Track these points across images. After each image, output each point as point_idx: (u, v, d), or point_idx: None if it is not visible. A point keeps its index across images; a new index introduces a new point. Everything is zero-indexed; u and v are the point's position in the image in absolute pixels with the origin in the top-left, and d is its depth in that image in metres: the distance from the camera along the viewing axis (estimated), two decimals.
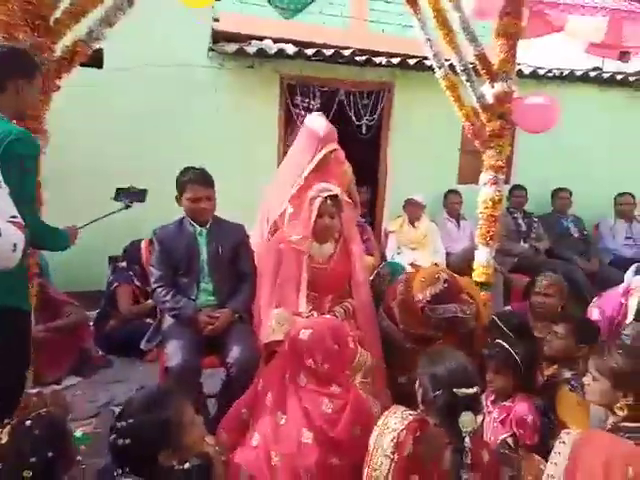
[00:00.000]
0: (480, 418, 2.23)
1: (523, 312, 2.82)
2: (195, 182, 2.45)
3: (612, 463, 1.15)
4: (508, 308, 3.06)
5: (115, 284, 3.63)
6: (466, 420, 1.49)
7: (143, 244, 3.67)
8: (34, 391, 2.34)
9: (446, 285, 2.51)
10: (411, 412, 1.60)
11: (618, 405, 1.61)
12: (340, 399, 1.70)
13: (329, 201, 2.40)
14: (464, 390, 1.53)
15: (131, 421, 1.38)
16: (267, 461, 1.64)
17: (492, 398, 2.19)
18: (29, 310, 1.88)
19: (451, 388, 1.55)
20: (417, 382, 1.68)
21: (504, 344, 2.12)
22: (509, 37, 2.68)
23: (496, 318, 2.56)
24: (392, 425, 1.54)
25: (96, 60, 3.74)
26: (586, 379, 1.74)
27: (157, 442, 1.40)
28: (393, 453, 1.48)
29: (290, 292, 2.41)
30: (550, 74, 5.20)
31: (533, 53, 6.70)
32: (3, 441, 1.36)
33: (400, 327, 2.53)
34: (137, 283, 3.67)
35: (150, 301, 3.46)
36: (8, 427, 1.41)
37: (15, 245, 0.93)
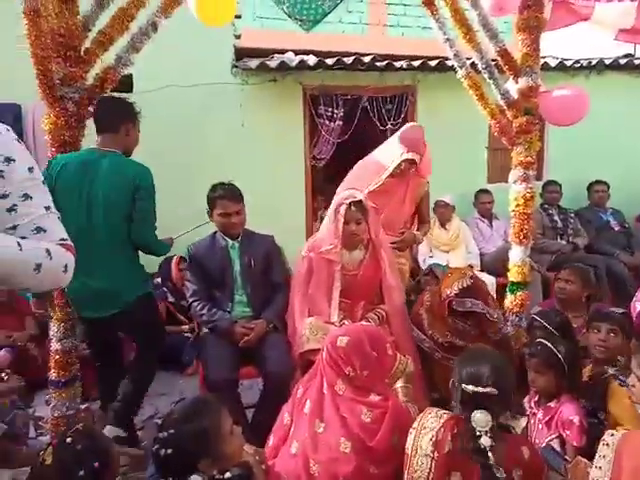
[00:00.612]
0: (524, 421, 2.19)
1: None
2: (225, 198, 2.53)
3: None
4: (537, 307, 2.97)
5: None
6: (478, 418, 1.46)
7: (174, 261, 3.80)
8: (83, 407, 2.43)
9: (472, 281, 2.53)
10: (445, 411, 1.59)
11: None
12: (379, 408, 1.67)
13: (353, 207, 2.41)
14: (472, 387, 1.51)
15: (172, 431, 1.42)
16: (306, 469, 1.63)
17: (536, 399, 2.14)
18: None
19: (461, 385, 1.54)
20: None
21: (546, 342, 2.07)
22: (531, 31, 2.63)
23: (537, 317, 2.52)
24: (429, 425, 1.52)
25: (126, 85, 3.90)
26: (631, 380, 1.67)
27: (197, 451, 1.42)
28: (433, 452, 1.46)
29: (322, 301, 2.43)
30: (577, 65, 5.06)
31: (560, 44, 6.55)
32: (48, 462, 1.41)
33: (428, 334, 2.51)
34: (171, 299, 3.77)
35: (186, 327, 3.57)
36: (50, 448, 1.46)
37: (66, 266, 1.01)
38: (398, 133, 2.94)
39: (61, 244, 1.02)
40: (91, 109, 2.11)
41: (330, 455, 1.62)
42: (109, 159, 2.23)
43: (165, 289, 3.80)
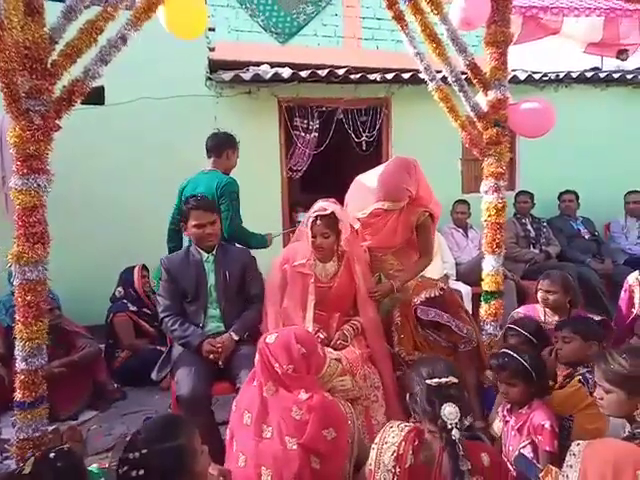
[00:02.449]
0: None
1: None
2: (198, 208, 2.52)
3: (621, 469, 1.12)
4: (517, 311, 3.01)
5: (111, 315, 3.68)
6: (448, 411, 1.49)
7: (136, 269, 3.76)
8: (50, 428, 2.35)
9: (442, 292, 2.56)
10: (406, 424, 1.60)
11: (638, 411, 1.56)
12: (307, 404, 1.71)
13: (319, 221, 2.42)
14: (436, 380, 1.55)
15: (144, 452, 1.38)
16: (258, 477, 1.64)
17: (508, 407, 2.16)
18: None
19: (424, 381, 1.57)
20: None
21: (511, 353, 2.09)
22: (498, 45, 2.69)
23: (514, 326, 2.54)
24: (390, 440, 1.54)
25: (97, 97, 3.85)
26: (598, 393, 1.69)
27: (172, 471, 1.40)
28: (395, 467, 1.48)
29: (296, 314, 2.42)
30: (546, 78, 5.21)
31: (530, 58, 6.74)
32: (26, 471, 1.42)
33: (395, 351, 2.54)
34: (133, 308, 3.71)
35: (158, 348, 3.50)
36: (32, 458, 1.45)
37: None
38: (381, 169, 2.82)
39: None
40: (58, 122, 2.07)
41: (277, 456, 1.64)
42: (209, 175, 3.12)
43: (125, 300, 3.74)
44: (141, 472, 1.35)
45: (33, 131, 1.96)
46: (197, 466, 1.44)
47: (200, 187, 3.08)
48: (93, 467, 2.38)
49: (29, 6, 1.91)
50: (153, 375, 2.57)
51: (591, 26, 8.11)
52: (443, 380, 1.54)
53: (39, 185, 2.02)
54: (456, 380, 1.57)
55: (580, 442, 1.27)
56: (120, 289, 3.78)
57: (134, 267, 3.82)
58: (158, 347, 3.52)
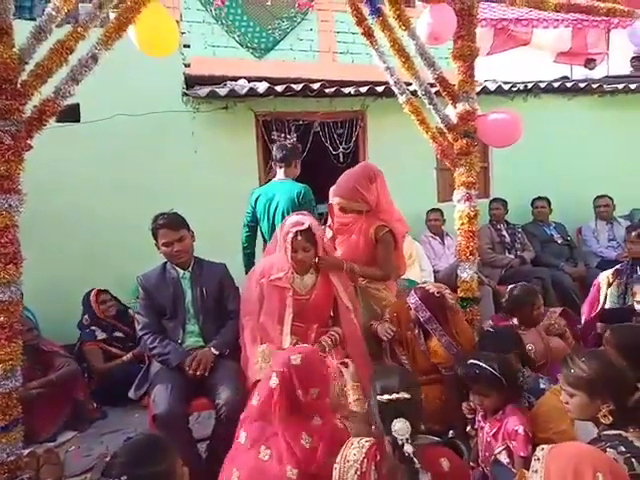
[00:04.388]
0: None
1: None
2: (164, 226, 2.51)
3: (581, 471, 1.14)
4: (489, 321, 3.07)
5: (79, 343, 3.64)
6: (399, 427, 1.49)
7: (91, 295, 3.70)
8: (26, 451, 2.31)
9: (439, 296, 2.58)
10: (367, 439, 1.60)
11: (602, 413, 1.58)
12: (317, 433, 1.69)
13: (299, 236, 2.43)
14: (387, 396, 1.54)
15: (124, 478, 1.33)
16: None
17: (482, 413, 2.18)
18: None
19: (376, 397, 1.57)
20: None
21: (480, 363, 2.10)
22: (465, 59, 2.77)
23: (492, 331, 2.59)
24: (352, 457, 1.53)
25: (72, 114, 3.84)
26: (563, 397, 1.73)
27: None
28: None
29: (273, 328, 2.42)
30: (515, 88, 5.35)
31: (504, 68, 6.92)
32: None
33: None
34: (101, 337, 3.64)
35: (124, 358, 3.52)
36: None
37: None
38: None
39: None
40: (30, 142, 2.06)
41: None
42: (285, 185, 3.47)
43: (94, 327, 3.67)
44: None
45: (4, 151, 1.95)
46: None
47: (279, 196, 3.42)
48: None
49: None
50: (130, 393, 2.55)
51: (559, 36, 8.39)
52: (394, 396, 1.53)
53: (10, 205, 2.00)
54: (408, 396, 1.55)
55: (544, 446, 1.29)
56: (86, 317, 3.70)
57: (90, 292, 3.73)
58: (128, 356, 3.51)
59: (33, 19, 3.20)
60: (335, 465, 1.55)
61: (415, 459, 1.43)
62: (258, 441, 1.71)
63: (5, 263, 2.00)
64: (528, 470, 1.67)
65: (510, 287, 2.97)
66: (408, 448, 1.45)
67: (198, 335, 2.56)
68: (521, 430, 1.96)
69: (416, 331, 2.67)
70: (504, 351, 2.25)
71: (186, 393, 2.33)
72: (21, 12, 3.74)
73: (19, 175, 2.05)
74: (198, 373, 2.37)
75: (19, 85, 1.98)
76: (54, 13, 2.03)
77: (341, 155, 4.86)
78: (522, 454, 1.92)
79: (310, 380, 1.76)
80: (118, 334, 3.72)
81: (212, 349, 2.45)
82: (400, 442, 1.46)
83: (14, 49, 1.97)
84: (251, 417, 1.82)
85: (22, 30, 2.03)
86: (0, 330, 2.01)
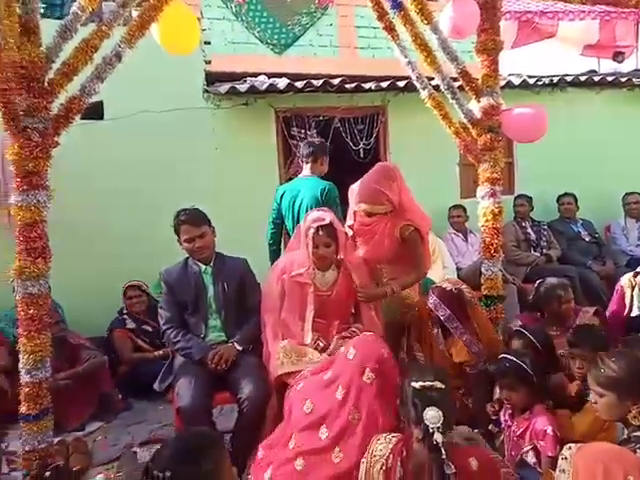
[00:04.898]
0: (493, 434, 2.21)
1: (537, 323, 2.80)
2: (186, 222, 2.54)
3: (611, 472, 1.12)
4: (516, 320, 3.02)
5: (109, 329, 3.74)
6: (430, 415, 1.48)
7: (124, 287, 3.81)
8: (56, 440, 2.37)
9: (456, 292, 2.55)
10: (394, 435, 1.60)
11: (631, 414, 1.56)
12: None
13: (320, 232, 2.42)
14: (421, 383, 1.54)
15: (168, 474, 1.30)
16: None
17: (510, 412, 2.16)
18: None
19: (410, 384, 1.57)
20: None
21: (511, 358, 2.09)
22: (489, 53, 2.72)
23: (524, 330, 2.52)
24: (378, 453, 1.54)
25: (97, 112, 3.92)
26: (592, 398, 1.70)
27: None
28: None
29: (295, 324, 2.43)
30: (540, 82, 5.23)
31: (529, 62, 6.77)
32: None
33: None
34: (131, 326, 3.74)
35: (155, 353, 3.60)
36: (28, 478, 1.44)
37: None
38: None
39: None
40: (57, 139, 2.11)
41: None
42: (310, 181, 3.44)
43: (125, 317, 3.79)
44: None
45: (32, 148, 2.01)
46: None
47: (303, 193, 3.40)
48: (99, 477, 2.41)
49: (25, 26, 1.96)
50: (155, 386, 2.59)
51: (586, 29, 8.16)
52: (427, 383, 1.54)
53: (39, 201, 2.06)
54: (442, 386, 1.55)
55: (572, 446, 1.27)
56: (123, 306, 3.85)
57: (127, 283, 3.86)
58: (157, 353, 3.59)
59: (59, 18, 3.26)
60: (363, 460, 1.57)
61: (443, 449, 1.42)
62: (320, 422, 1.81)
63: (34, 257, 2.05)
64: (555, 471, 1.66)
65: (538, 281, 2.91)
66: (438, 437, 1.44)
67: (220, 330, 2.58)
68: (550, 430, 1.94)
69: (435, 331, 2.64)
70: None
71: (209, 387, 2.36)
72: (52, 11, 3.81)
73: (47, 171, 2.10)
74: (220, 368, 2.40)
75: (46, 83, 2.04)
76: (79, 12, 2.08)
77: (362, 151, 4.83)
78: (550, 454, 1.90)
79: (395, 372, 1.88)
80: (146, 327, 3.80)
81: (235, 344, 2.48)
82: (431, 430, 1.46)
83: (41, 48, 2.02)
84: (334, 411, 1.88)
85: (48, 29, 2.08)
86: (30, 322, 2.07)
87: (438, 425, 1.46)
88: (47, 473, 1.47)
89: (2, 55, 1.87)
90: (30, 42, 1.95)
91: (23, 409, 2.09)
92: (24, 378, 2.09)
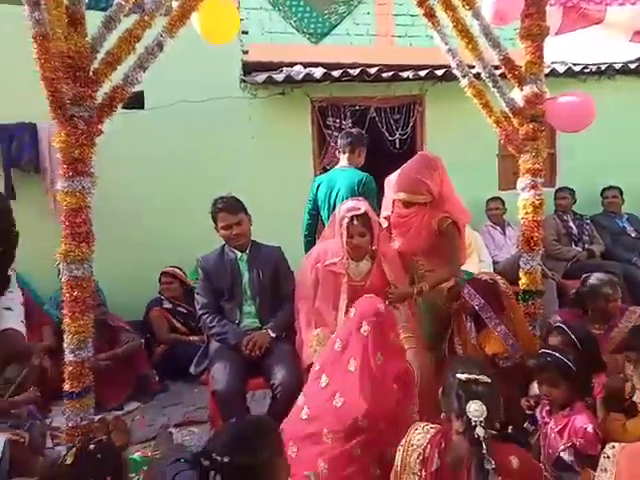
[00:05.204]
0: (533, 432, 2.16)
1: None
2: (223, 210, 2.59)
3: None
4: (555, 315, 2.92)
5: (147, 309, 3.88)
6: (473, 409, 1.44)
7: (160, 273, 3.95)
8: (97, 417, 2.47)
9: (492, 282, 2.53)
10: (432, 425, 1.58)
11: None
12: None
13: (355, 221, 2.41)
14: (466, 375, 1.51)
15: (227, 460, 1.31)
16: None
17: (547, 408, 2.11)
18: None
19: (455, 375, 1.54)
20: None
21: (553, 353, 2.04)
22: (534, 39, 2.62)
23: (564, 327, 2.44)
24: (416, 442, 1.53)
25: (138, 101, 4.01)
26: (637, 397, 1.63)
27: None
28: (420, 470, 1.46)
29: (328, 313, 2.44)
30: (587, 70, 5.02)
31: (574, 49, 6.48)
32: (68, 462, 1.45)
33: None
34: (167, 306, 3.87)
35: (191, 338, 3.69)
36: (74, 449, 1.52)
37: None
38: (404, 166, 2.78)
39: None
40: (101, 127, 2.17)
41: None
42: (347, 172, 3.41)
43: (162, 297, 3.93)
44: (218, 478, 1.31)
45: (77, 136, 2.07)
46: None
47: (339, 183, 3.36)
48: (136, 455, 2.50)
49: (72, 17, 2.01)
50: (191, 369, 2.66)
51: (637, 14, 7.75)
52: (473, 376, 1.51)
53: (84, 187, 2.12)
54: (487, 380, 1.52)
55: (615, 445, 1.23)
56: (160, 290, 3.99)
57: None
58: (193, 338, 3.68)
59: (102, 10, 3.34)
60: (399, 447, 1.56)
61: (484, 444, 1.39)
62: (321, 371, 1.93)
63: (79, 241, 2.12)
64: (594, 470, 1.61)
65: (584, 276, 2.80)
66: (480, 431, 1.41)
67: (255, 316, 2.63)
68: (591, 429, 1.88)
69: (468, 324, 2.60)
70: None
71: (243, 372, 2.41)
72: (97, 3, 3.91)
73: (91, 159, 2.17)
74: (254, 354, 2.44)
75: (91, 73, 2.09)
76: (123, 2, 2.12)
77: (397, 141, 4.78)
78: (591, 452, 1.84)
79: (394, 322, 2.03)
80: (181, 309, 3.92)
81: (269, 331, 2.52)
82: (473, 423, 1.43)
83: (87, 38, 2.07)
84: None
85: (92, 20, 2.14)
86: (74, 304, 2.14)
87: (481, 419, 1.43)
88: (91, 446, 1.53)
89: (50, 45, 1.93)
90: (77, 32, 2.01)
91: (67, 387, 2.17)
92: (68, 357, 2.17)
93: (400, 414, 1.98)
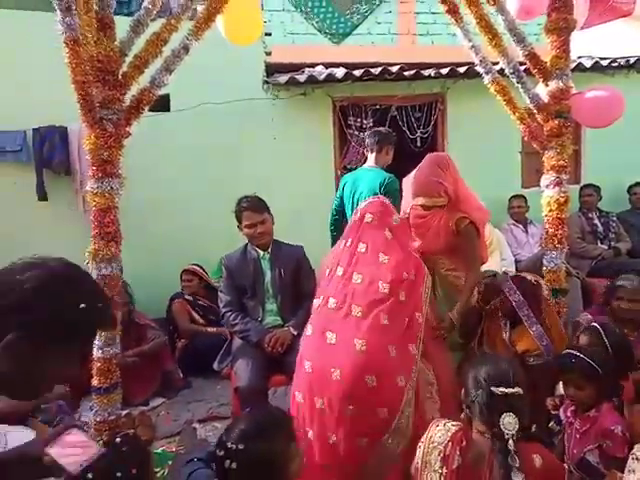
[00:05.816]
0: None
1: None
2: (248, 209, 2.63)
3: None
4: (585, 314, 2.87)
5: (170, 300, 3.98)
6: (507, 422, 1.42)
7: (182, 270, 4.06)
8: (124, 412, 2.53)
9: (535, 284, 2.53)
10: (454, 423, 1.56)
11: None
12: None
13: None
14: (502, 389, 1.47)
15: (241, 447, 1.35)
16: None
17: (572, 408, 2.07)
18: None
19: (489, 387, 1.49)
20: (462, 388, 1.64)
21: (578, 353, 2.00)
22: (560, 33, 2.57)
23: (598, 327, 2.39)
24: (437, 439, 1.51)
25: (164, 104, 4.08)
26: None
27: (262, 474, 1.38)
28: (441, 467, 1.45)
29: None
30: (615, 64, 4.90)
31: (601, 43, 6.34)
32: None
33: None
34: (188, 297, 3.98)
35: (209, 329, 3.77)
36: (100, 442, 1.56)
37: None
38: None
39: None
40: (129, 129, 2.23)
41: None
42: (372, 172, 3.41)
43: (184, 291, 4.03)
44: (233, 465, 1.36)
45: (106, 138, 2.13)
46: (288, 471, 1.43)
47: (362, 183, 3.37)
48: (160, 450, 2.56)
49: (101, 22, 2.08)
50: (215, 365, 2.71)
51: None
52: (509, 391, 1.47)
53: (112, 188, 2.18)
54: (522, 391, 1.49)
55: None
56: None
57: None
58: (211, 329, 3.77)
59: (129, 14, 3.42)
60: (419, 444, 1.55)
61: (515, 457, 1.38)
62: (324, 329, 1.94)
63: (107, 241, 2.19)
64: (621, 472, 1.59)
65: (621, 276, 2.75)
66: (512, 445, 1.40)
67: (276, 314, 2.66)
68: (618, 430, 1.84)
69: (502, 321, 2.57)
70: None
71: (265, 369, 2.45)
72: (120, 8, 4.00)
73: (119, 160, 2.23)
74: (276, 351, 2.47)
75: (120, 76, 2.15)
76: (150, 7, 2.17)
77: (419, 139, 4.75)
78: (619, 454, 1.80)
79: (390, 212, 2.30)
80: (201, 302, 4.02)
81: (290, 329, 2.54)
82: (506, 437, 1.41)
83: (115, 42, 2.13)
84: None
85: (121, 24, 2.19)
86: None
87: (513, 432, 1.42)
88: (118, 439, 1.58)
89: (81, 50, 1.99)
90: (106, 37, 2.07)
91: (95, 382, 2.24)
92: (96, 354, 2.24)
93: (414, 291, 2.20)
